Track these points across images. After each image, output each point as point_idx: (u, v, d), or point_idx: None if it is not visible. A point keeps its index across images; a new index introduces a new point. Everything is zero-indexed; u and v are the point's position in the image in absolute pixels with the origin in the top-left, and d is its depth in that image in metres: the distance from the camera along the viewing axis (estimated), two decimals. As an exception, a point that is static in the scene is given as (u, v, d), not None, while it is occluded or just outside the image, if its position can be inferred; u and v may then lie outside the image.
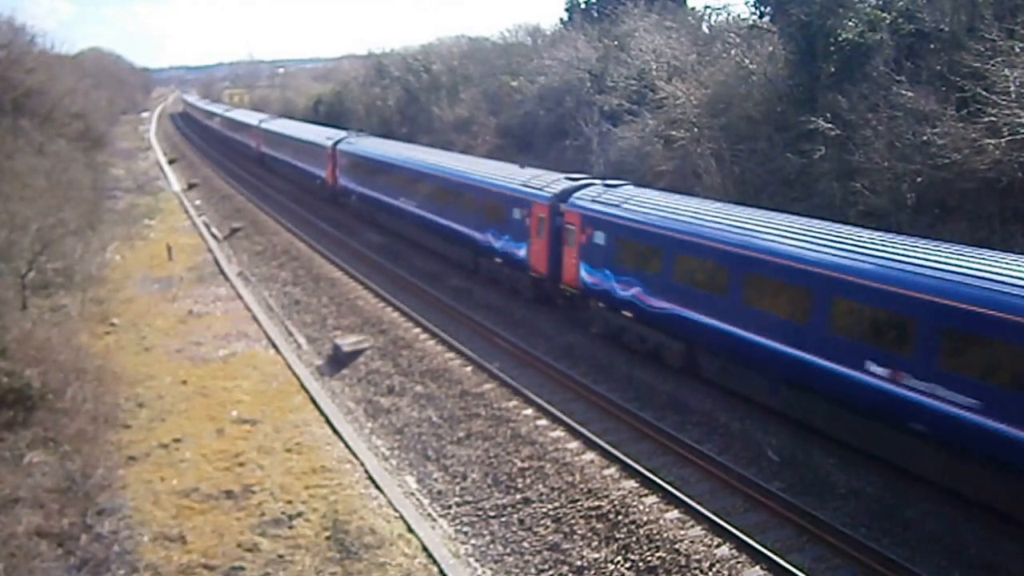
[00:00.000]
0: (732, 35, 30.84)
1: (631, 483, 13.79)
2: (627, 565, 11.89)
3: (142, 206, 45.49)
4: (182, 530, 13.50)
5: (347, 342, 21.58)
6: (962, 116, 19.34)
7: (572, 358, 19.52)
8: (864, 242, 13.96)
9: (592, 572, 11.93)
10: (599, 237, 19.48)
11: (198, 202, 47.54)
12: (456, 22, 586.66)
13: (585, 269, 20.07)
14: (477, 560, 12.72)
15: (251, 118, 64.63)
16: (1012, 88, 18.26)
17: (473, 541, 13.23)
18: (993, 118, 18.16)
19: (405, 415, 17.89)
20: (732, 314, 15.60)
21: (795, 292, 14.38)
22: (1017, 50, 18.95)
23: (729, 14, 35.85)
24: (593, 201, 20.05)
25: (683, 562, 11.65)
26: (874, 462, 13.54)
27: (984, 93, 18.59)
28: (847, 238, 14.31)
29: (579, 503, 13.47)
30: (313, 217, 39.12)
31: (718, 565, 11.50)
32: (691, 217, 17.32)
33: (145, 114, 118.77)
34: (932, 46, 22.43)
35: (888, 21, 23.32)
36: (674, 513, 12.86)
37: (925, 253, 12.94)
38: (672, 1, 39.12)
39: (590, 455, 14.86)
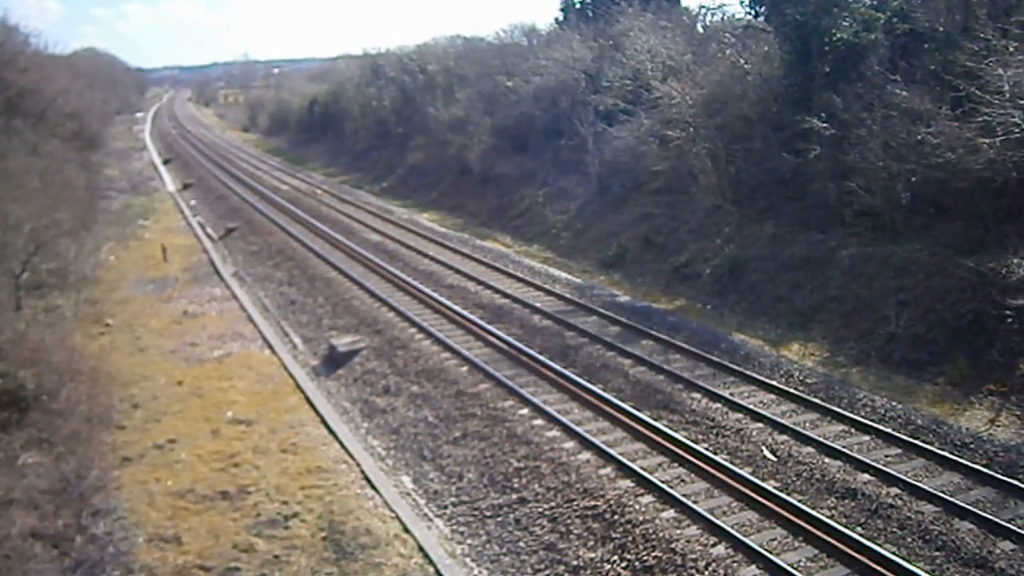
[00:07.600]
0: (727, 35, 30.84)
1: (627, 483, 13.79)
2: (623, 564, 11.90)
3: (137, 206, 45.30)
4: (177, 531, 13.45)
5: (343, 342, 21.55)
6: (956, 116, 19.39)
7: (568, 358, 19.52)
8: None
9: (588, 572, 11.93)
10: None
11: (193, 202, 47.41)
12: (452, 22, 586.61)
13: None
14: (473, 560, 12.71)
15: None
16: (1006, 88, 18.30)
17: (469, 541, 13.21)
18: (987, 117, 18.20)
19: (401, 415, 17.88)
20: None
21: None
22: (1011, 49, 19.00)
23: (724, 14, 35.89)
24: None
25: (679, 561, 11.67)
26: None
27: (978, 93, 18.62)
28: None
29: (575, 503, 13.47)
30: (309, 217, 39.07)
31: (714, 564, 11.52)
32: None
33: (140, 114, 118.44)
34: (926, 46, 22.49)
35: (883, 21, 23.36)
36: (670, 512, 12.86)
37: None
38: (667, 1, 39.09)
39: (586, 455, 14.86)
